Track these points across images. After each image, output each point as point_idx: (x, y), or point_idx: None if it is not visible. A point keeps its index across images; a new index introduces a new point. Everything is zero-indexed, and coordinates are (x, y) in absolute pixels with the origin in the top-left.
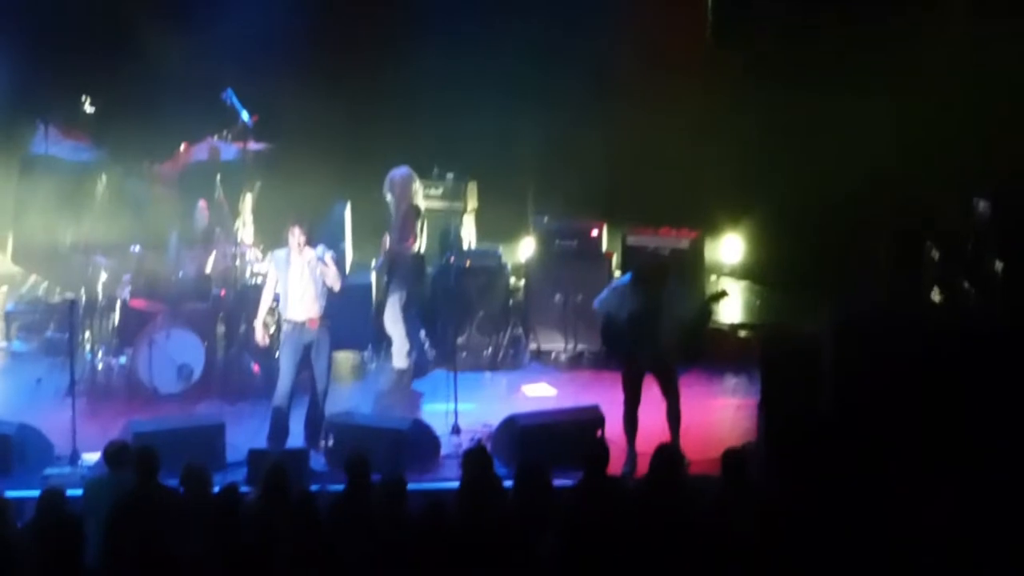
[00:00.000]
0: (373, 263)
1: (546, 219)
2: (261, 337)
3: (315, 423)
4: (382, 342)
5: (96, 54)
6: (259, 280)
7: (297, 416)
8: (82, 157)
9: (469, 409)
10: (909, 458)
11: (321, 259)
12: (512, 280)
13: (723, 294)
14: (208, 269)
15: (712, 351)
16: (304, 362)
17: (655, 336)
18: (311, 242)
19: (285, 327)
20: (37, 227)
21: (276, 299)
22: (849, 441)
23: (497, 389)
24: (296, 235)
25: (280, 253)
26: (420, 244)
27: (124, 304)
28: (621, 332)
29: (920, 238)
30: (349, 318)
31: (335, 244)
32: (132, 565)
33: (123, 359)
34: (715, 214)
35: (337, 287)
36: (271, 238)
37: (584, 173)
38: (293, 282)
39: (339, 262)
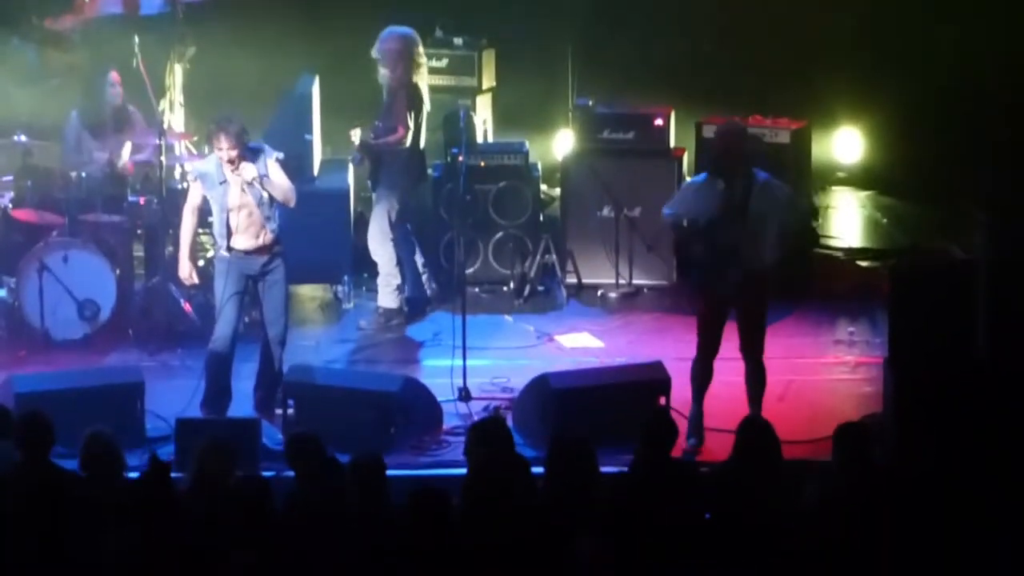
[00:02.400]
0: (351, 158)
1: (591, 102)
2: (188, 274)
3: (268, 383)
4: (363, 271)
5: None
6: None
7: (245, 374)
8: None
9: (483, 366)
10: None
11: (265, 176)
12: (543, 187)
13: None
14: (122, 166)
15: (819, 286)
16: (252, 299)
17: (743, 251)
18: (245, 152)
19: (222, 254)
20: None
21: (207, 224)
22: (1013, 412)
23: (522, 338)
24: (224, 148)
25: (206, 167)
26: (418, 136)
27: (4, 215)
28: (699, 248)
29: None
30: (316, 238)
31: (297, 134)
32: (16, 573)
33: (2, 292)
34: (827, 99)
35: (292, 201)
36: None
37: (644, 38)
38: (230, 206)
39: (298, 164)
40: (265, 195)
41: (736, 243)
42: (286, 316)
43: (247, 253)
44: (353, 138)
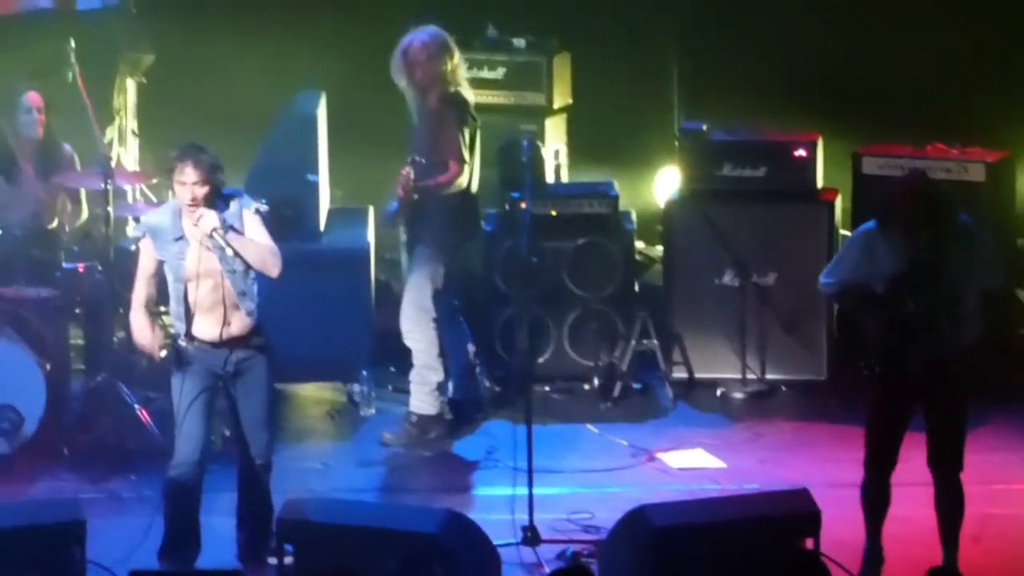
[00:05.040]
0: (373, 211)
1: (705, 126)
2: (148, 338)
3: (255, 522)
4: (388, 364)
5: None
6: None
7: (221, 508)
8: None
9: (557, 495)
10: None
11: (230, 227)
12: (639, 245)
13: None
14: (53, 222)
15: None
16: (219, 407)
17: (936, 326)
18: (215, 196)
19: (182, 344)
20: None
21: (164, 294)
22: None
23: (610, 457)
24: (189, 182)
25: (158, 218)
26: (468, 174)
27: None
28: (874, 324)
29: None
30: (323, 318)
31: (297, 173)
32: None
33: None
34: None
35: (274, 269)
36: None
37: (772, 38)
38: (187, 274)
39: (298, 214)
40: (237, 261)
41: (927, 315)
42: (270, 430)
43: (212, 345)
44: (404, 180)
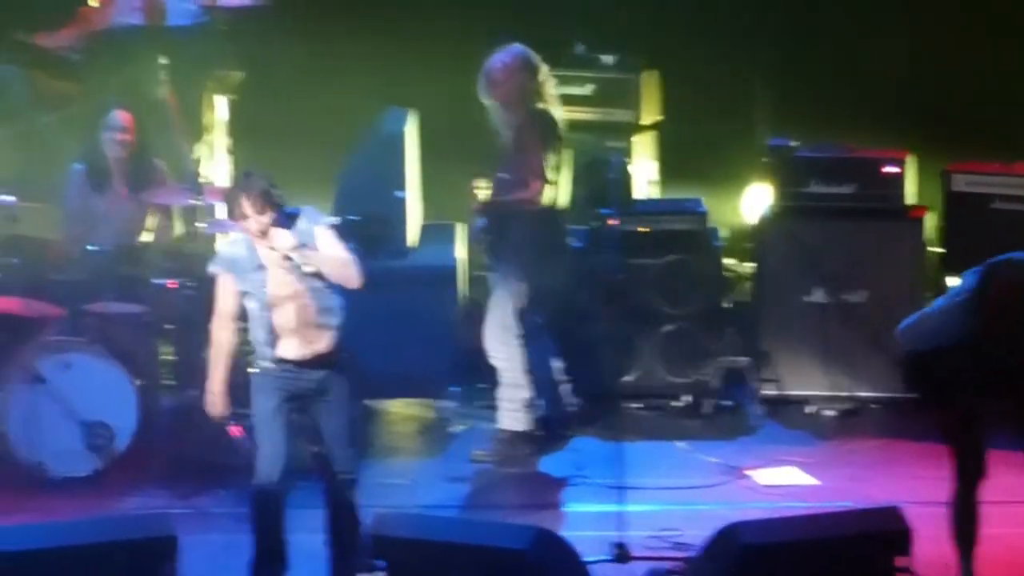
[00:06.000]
0: (459, 228)
1: (794, 143)
2: (220, 410)
3: (346, 537)
4: (477, 381)
5: None
6: None
7: (311, 524)
8: None
9: (646, 512)
10: None
11: (305, 245)
12: (728, 261)
13: None
14: (144, 238)
15: None
16: (304, 424)
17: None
18: (279, 209)
19: (262, 366)
20: None
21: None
22: None
23: (700, 474)
24: (250, 214)
25: (233, 250)
26: (551, 192)
27: None
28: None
29: None
30: (411, 335)
31: (384, 190)
32: None
33: None
34: None
35: (354, 279)
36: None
37: (866, 57)
38: (273, 299)
39: (384, 231)
40: (317, 278)
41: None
42: (355, 445)
43: (298, 365)
44: (477, 195)
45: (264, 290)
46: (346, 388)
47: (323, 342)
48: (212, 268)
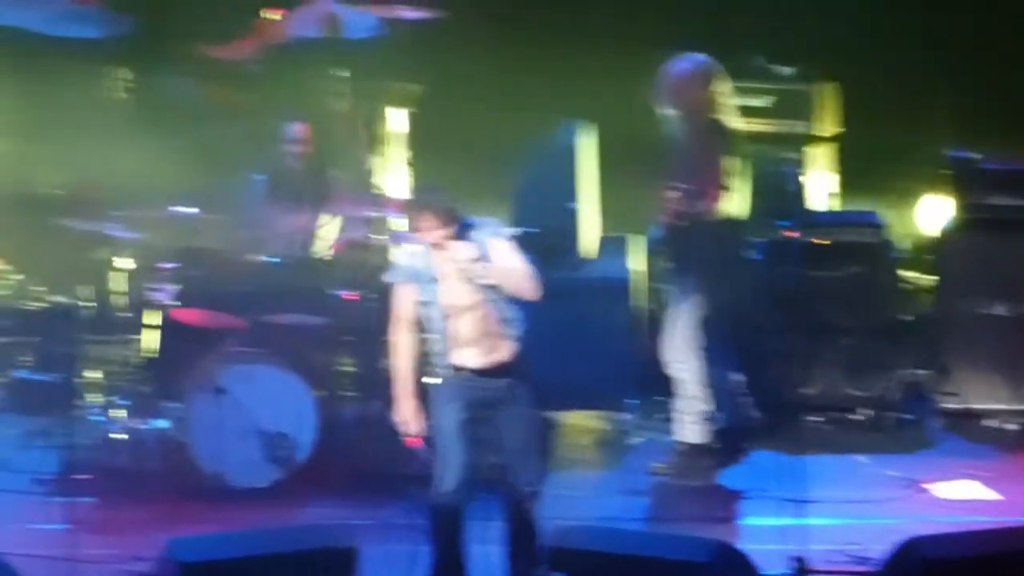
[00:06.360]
0: (633, 240)
1: (975, 156)
2: (411, 417)
3: (525, 549)
4: (655, 393)
5: None
6: None
7: (490, 535)
8: (80, 31)
9: (827, 526)
10: None
11: (482, 257)
12: (908, 273)
13: None
14: (322, 250)
15: None
16: (485, 435)
17: None
18: (460, 228)
19: (443, 375)
20: None
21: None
22: None
23: (881, 487)
24: (432, 227)
25: (412, 262)
26: (730, 202)
27: (165, 317)
28: None
29: None
30: (588, 347)
31: (556, 203)
32: None
33: (163, 422)
34: None
35: (531, 291)
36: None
37: None
38: (451, 309)
39: (558, 244)
40: (495, 288)
41: None
42: (538, 458)
43: (477, 374)
44: (669, 206)
45: (442, 300)
46: (529, 399)
47: (504, 351)
48: (391, 278)
